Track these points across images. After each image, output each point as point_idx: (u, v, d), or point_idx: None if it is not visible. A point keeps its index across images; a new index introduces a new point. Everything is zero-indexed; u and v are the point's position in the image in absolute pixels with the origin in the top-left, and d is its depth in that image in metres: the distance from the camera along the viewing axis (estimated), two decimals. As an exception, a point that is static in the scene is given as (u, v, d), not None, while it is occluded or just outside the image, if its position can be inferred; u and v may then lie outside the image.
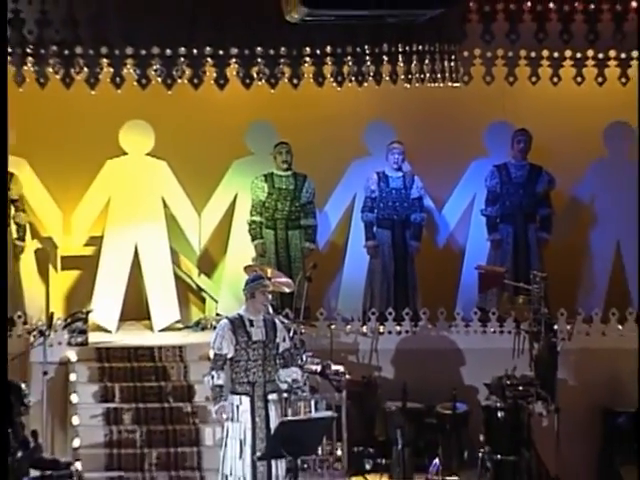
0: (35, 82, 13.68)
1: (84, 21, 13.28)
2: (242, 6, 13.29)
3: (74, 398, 14.43)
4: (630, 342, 15.55)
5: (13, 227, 15.88)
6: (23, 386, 12.80)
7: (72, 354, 14.79)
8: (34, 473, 12.68)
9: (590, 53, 14.29)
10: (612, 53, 14.24)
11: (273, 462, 12.49)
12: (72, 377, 14.60)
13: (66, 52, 13.47)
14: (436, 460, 13.67)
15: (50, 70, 13.59)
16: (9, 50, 13.40)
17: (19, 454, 12.35)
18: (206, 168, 16.51)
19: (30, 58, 13.45)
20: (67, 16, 13.20)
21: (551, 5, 13.80)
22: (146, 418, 14.34)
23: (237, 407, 12.78)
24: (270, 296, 13.21)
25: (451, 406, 14.67)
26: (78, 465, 13.61)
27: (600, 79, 14.53)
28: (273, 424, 12.52)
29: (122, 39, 13.56)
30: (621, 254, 16.54)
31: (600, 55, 14.28)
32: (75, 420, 14.23)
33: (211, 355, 13.13)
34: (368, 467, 14.31)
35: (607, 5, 13.73)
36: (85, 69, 13.62)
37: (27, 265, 16.25)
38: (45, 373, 14.02)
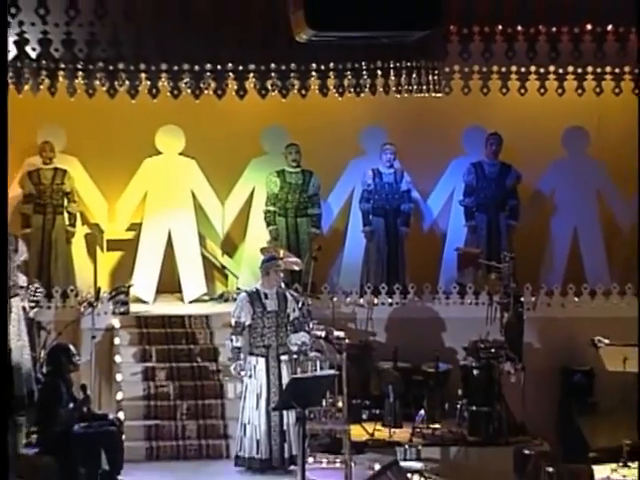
0: (85, 93, 13.61)
1: (125, 42, 13.18)
2: (258, 28, 13.18)
3: (117, 359, 14.50)
4: (584, 312, 15.70)
5: (66, 215, 16.03)
6: (72, 347, 12.84)
7: (116, 322, 14.89)
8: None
9: (551, 69, 14.25)
10: (570, 69, 14.17)
11: (284, 412, 12.72)
12: (116, 341, 14.69)
13: (111, 68, 13.39)
14: (422, 411, 13.77)
15: (97, 83, 13.54)
16: (62, 66, 13.33)
17: (70, 405, 12.38)
18: (228, 165, 16.50)
19: (80, 73, 13.32)
20: (111, 38, 13.12)
21: (519, 28, 13.69)
22: (178, 375, 14.39)
23: (254, 367, 13.03)
24: (282, 273, 13.44)
25: (434, 365, 14.74)
26: (120, 415, 13.67)
27: (560, 90, 14.49)
28: (285, 380, 12.75)
29: (157, 57, 13.49)
30: (577, 238, 16.55)
31: (560, 70, 14.22)
32: (118, 377, 14.30)
33: (232, 323, 13.32)
34: (364, 416, 14.42)
35: (566, 28, 13.63)
36: (126, 82, 13.55)
37: (78, 247, 16.31)
38: (93, 337, 14.12)
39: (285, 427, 12.89)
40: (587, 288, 15.97)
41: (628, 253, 16.57)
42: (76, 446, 12.06)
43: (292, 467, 12.55)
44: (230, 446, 13.55)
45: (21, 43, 12.82)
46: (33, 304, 13.82)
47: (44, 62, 13.10)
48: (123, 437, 12.80)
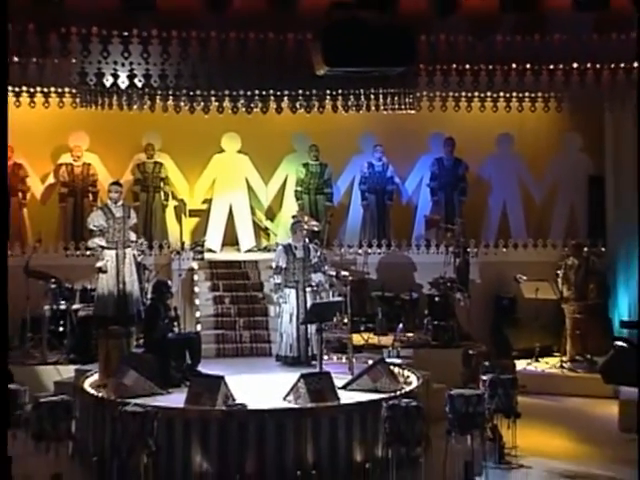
0: (173, 110, 13.54)
1: (200, 75, 12.99)
2: (290, 65, 12.97)
3: (196, 289, 14.58)
4: (510, 258, 15.76)
5: (162, 193, 16.01)
6: (169, 282, 12.93)
7: (195, 264, 14.92)
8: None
9: (488, 94, 14.11)
10: (501, 94, 14.10)
11: (308, 325, 12.84)
12: (195, 277, 14.76)
13: (191, 93, 13.22)
14: (400, 325, 13.89)
15: (182, 103, 13.38)
16: (158, 92, 13.13)
17: (165, 320, 12.42)
18: (270, 159, 16.44)
19: (171, 96, 13.19)
20: (191, 72, 12.93)
21: (467, 66, 13.51)
22: (237, 300, 14.39)
23: (288, 295, 13.19)
24: (306, 232, 13.62)
25: (409, 294, 15.11)
26: (198, 327, 13.80)
27: (494, 108, 14.38)
28: (308, 304, 12.90)
29: (223, 85, 13.33)
30: (506, 208, 16.48)
31: (494, 95, 14.10)
32: (197, 301, 14.37)
33: (273, 266, 13.47)
34: (362, 328, 14.51)
35: (498, 66, 13.50)
36: (202, 103, 13.39)
37: (170, 215, 16.28)
38: (180, 275, 14.21)
39: (308, 335, 12.95)
40: (512, 242, 16.04)
41: (539, 217, 16.65)
42: (169, 347, 12.10)
43: (313, 362, 12.55)
44: (272, 348, 13.58)
45: (131, 77, 12.71)
46: (140, 252, 13.80)
47: (147, 89, 12.98)
48: (200, 342, 12.74)
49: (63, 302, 14.04)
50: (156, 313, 12.38)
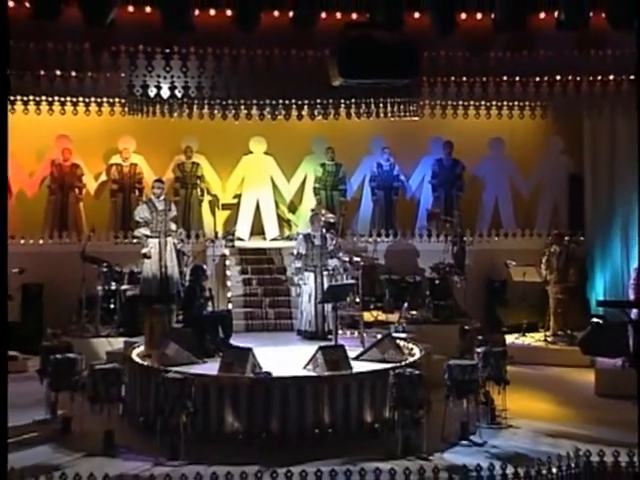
0: (208, 117, 13.56)
1: (232, 87, 13.03)
2: (309, 78, 12.97)
3: (227, 273, 14.59)
4: (501, 246, 15.66)
5: (198, 190, 15.99)
6: (204, 266, 12.95)
7: (226, 251, 14.92)
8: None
9: (483, 103, 14.02)
10: (494, 103, 14.01)
11: (325, 305, 12.79)
12: (227, 262, 14.75)
13: (223, 102, 13.21)
14: (405, 304, 13.80)
15: (215, 111, 13.39)
16: (195, 102, 13.16)
17: (201, 300, 12.44)
18: (292, 160, 16.40)
19: (206, 105, 13.17)
20: (224, 84, 12.97)
21: (464, 79, 13.49)
22: (263, 282, 14.43)
23: (307, 278, 13.18)
24: (322, 223, 13.53)
25: (413, 277, 14.99)
26: (230, 305, 13.82)
27: (488, 116, 14.35)
28: (325, 286, 12.84)
29: (251, 95, 13.34)
30: (497, 202, 16.42)
31: (488, 104, 14.03)
32: (228, 283, 14.40)
33: (294, 252, 13.46)
34: (372, 307, 14.46)
35: (491, 79, 13.47)
36: (233, 110, 13.39)
37: (205, 208, 16.25)
38: (214, 260, 14.29)
39: (325, 313, 12.93)
40: (502, 232, 15.99)
41: (526, 210, 16.53)
42: (204, 323, 12.12)
43: (329, 336, 12.52)
44: (293, 324, 13.58)
45: (172, 88, 12.76)
46: (179, 241, 13.82)
47: (185, 99, 13.00)
48: (232, 318, 12.79)
49: (113, 283, 14.04)
50: (193, 293, 12.40)
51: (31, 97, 12.47)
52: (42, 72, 12.20)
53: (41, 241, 15.11)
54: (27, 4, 11.48)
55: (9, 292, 13.45)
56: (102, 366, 10.78)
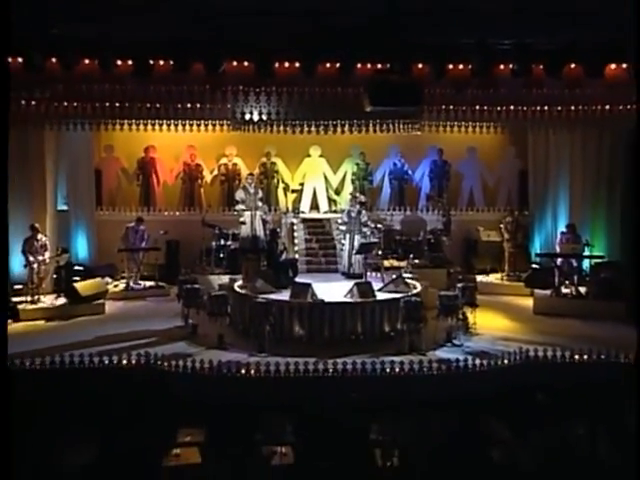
0: (283, 132, 13.05)
1: (299, 112, 12.46)
2: (348, 105, 12.46)
3: (295, 234, 14.35)
4: (474, 217, 15.30)
5: (275, 180, 15.72)
6: (278, 230, 13.02)
7: (294, 220, 14.68)
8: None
9: (463, 123, 13.33)
10: (470, 123, 13.22)
11: (358, 255, 12.71)
12: (295, 228, 14.51)
13: (292, 122, 12.80)
14: (411, 255, 13.46)
15: (281, 127, 12.87)
16: (267, 121, 12.46)
17: (278, 251, 12.44)
18: (337, 160, 16.11)
19: (275, 123, 12.63)
20: (294, 110, 12.44)
21: (450, 107, 12.96)
22: (319, 240, 14.19)
23: (347, 237, 13.05)
24: (357, 202, 13.39)
25: (417, 236, 14.61)
26: (296, 255, 13.64)
27: (466, 132, 13.55)
28: (357, 242, 12.79)
29: (311, 117, 12.75)
30: (472, 189, 16.09)
31: (466, 124, 13.35)
32: (295, 241, 14.17)
33: (339, 221, 13.42)
34: (389, 257, 14.03)
35: (470, 107, 12.91)
36: (299, 127, 12.91)
37: (280, 192, 15.87)
38: (286, 226, 14.21)
39: (358, 260, 12.85)
40: (475, 208, 15.74)
41: (491, 194, 16.14)
42: (280, 266, 12.15)
43: (361, 276, 12.45)
44: (338, 268, 13.45)
45: (260, 113, 12.50)
46: (263, 213, 13.78)
47: (268, 121, 12.71)
48: (297, 263, 12.79)
49: (222, 240, 14.17)
50: (272, 247, 12.47)
51: (172, 121, 12.54)
52: (179, 105, 12.24)
53: (177, 213, 15.34)
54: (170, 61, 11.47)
55: (159, 245, 14.04)
56: (216, 293, 11.08)
